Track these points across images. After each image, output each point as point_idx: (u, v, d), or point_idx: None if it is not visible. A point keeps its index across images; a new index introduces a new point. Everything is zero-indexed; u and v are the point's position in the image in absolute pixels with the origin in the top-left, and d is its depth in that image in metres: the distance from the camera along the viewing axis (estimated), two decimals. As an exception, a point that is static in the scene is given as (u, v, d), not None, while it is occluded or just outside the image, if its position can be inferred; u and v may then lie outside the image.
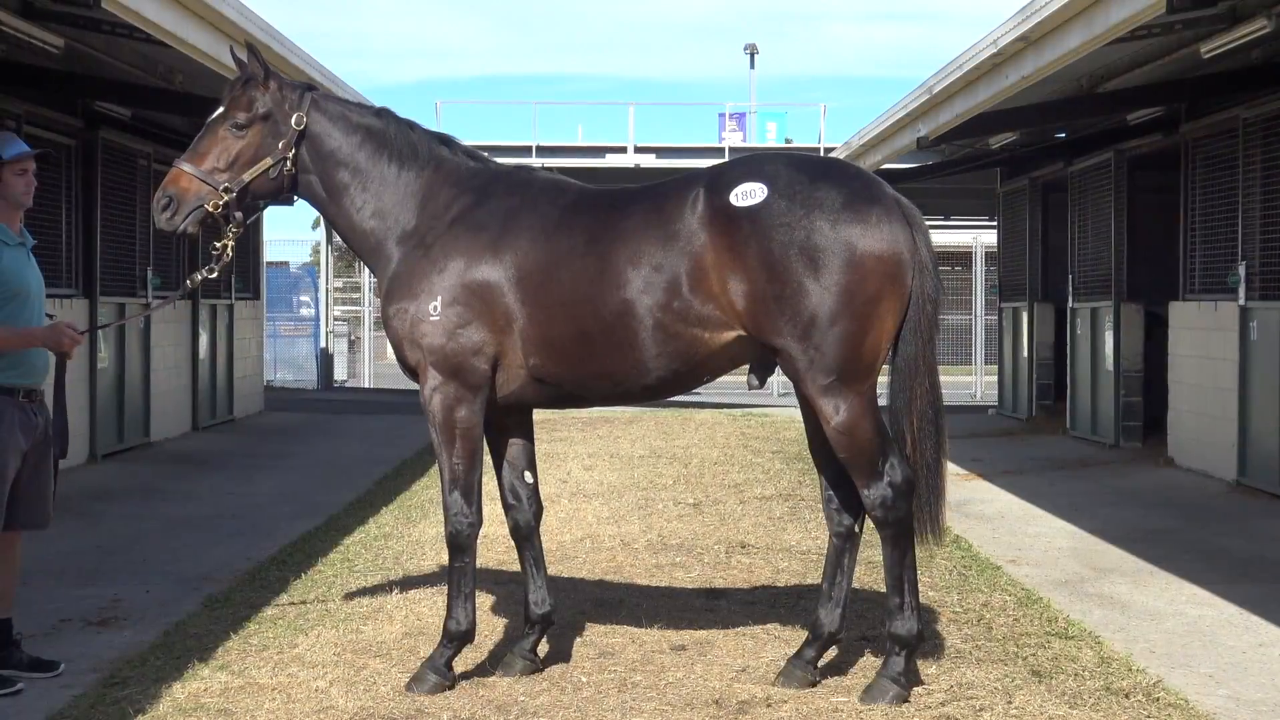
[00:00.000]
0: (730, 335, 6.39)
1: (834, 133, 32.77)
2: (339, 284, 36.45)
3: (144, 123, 17.09)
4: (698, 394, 14.63)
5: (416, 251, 6.72)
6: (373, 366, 32.23)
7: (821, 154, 22.87)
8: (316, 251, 39.96)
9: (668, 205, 6.46)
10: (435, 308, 6.58)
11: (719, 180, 6.42)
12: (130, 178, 16.83)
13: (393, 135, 6.91)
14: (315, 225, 49.06)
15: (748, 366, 6.71)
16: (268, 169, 6.77)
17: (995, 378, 24.53)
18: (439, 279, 6.60)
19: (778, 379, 23.66)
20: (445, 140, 7.06)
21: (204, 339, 19.45)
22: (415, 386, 6.79)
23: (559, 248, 6.53)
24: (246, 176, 6.73)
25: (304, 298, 32.22)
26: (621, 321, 6.41)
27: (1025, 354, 21.54)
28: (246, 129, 6.75)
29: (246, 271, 22.03)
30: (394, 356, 6.93)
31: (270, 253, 29.32)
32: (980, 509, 12.55)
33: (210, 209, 6.65)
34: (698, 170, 6.79)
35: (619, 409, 20.91)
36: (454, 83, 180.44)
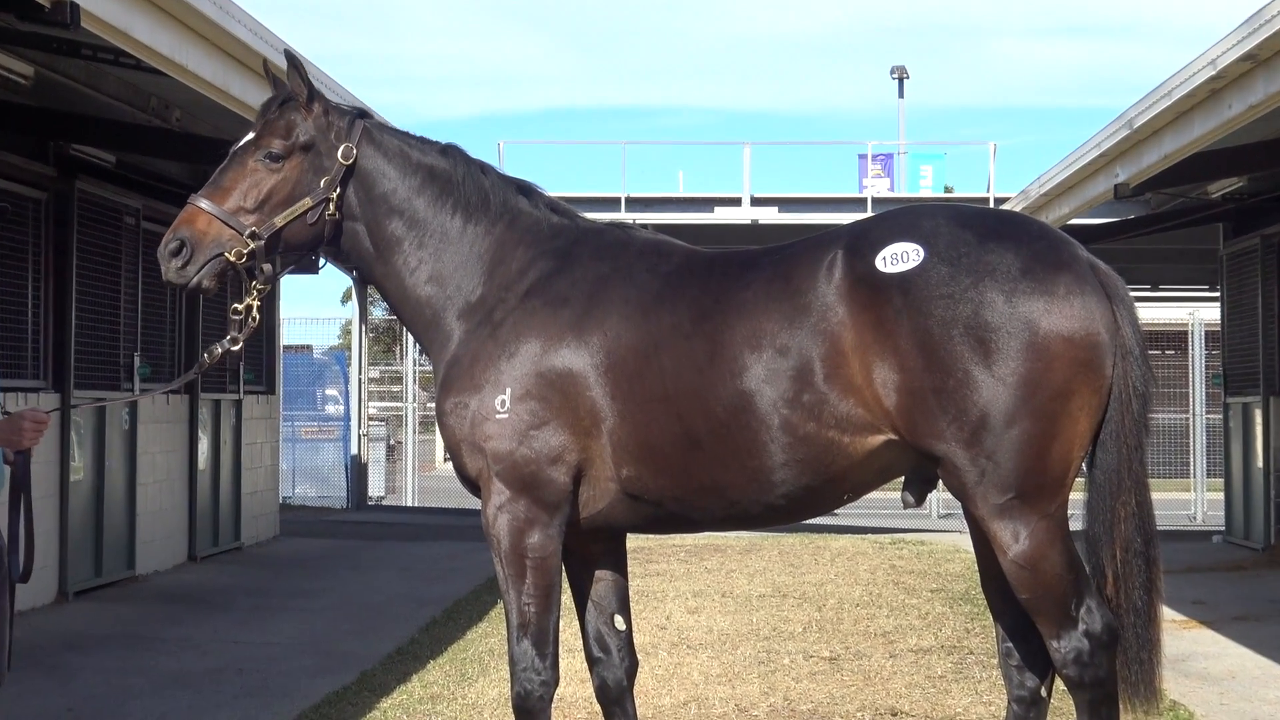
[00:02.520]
0: (877, 439, 6.37)
1: (1006, 179, 32.83)
2: (375, 373, 36.78)
3: (132, 170, 17.23)
4: (835, 515, 14.48)
5: (482, 329, 6.76)
6: (417, 479, 32.39)
7: (991, 206, 22.84)
8: (347, 332, 40.35)
9: (796, 272, 6.48)
10: (503, 402, 6.60)
11: (862, 240, 6.44)
12: (114, 239, 16.89)
13: (460, 179, 6.97)
14: (345, 300, 49.61)
15: (901, 480, 6.68)
16: (306, 212, 6.83)
17: (1221, 494, 24.25)
18: (508, 366, 6.64)
19: (939, 495, 23.53)
20: (524, 189, 7.09)
21: (204, 444, 19.58)
22: (475, 504, 6.81)
23: (659, 327, 6.56)
24: (279, 220, 6.78)
25: (331, 391, 32.51)
26: (737, 420, 6.41)
27: (1260, 463, 21.29)
28: (283, 161, 6.81)
29: (259, 357, 22.08)
30: (448, 464, 6.97)
31: (289, 334, 29.67)
32: (1204, 666, 12.39)
33: (232, 259, 6.67)
34: (834, 228, 6.82)
35: (733, 534, 20.87)
36: (518, 117, 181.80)
